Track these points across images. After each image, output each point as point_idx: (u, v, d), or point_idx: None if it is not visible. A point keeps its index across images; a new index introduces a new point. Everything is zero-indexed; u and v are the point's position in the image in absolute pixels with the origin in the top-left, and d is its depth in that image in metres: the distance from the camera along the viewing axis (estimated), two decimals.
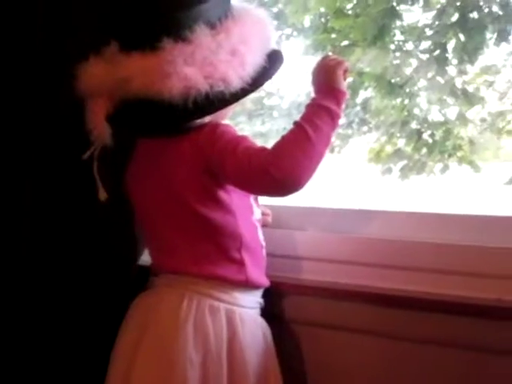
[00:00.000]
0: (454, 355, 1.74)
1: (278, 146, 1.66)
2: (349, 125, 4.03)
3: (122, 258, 2.08)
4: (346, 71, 1.76)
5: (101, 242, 2.06)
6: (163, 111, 1.64)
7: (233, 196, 1.76)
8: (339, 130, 3.81)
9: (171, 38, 1.64)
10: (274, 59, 1.76)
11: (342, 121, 1.74)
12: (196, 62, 1.63)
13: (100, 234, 2.07)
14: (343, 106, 1.73)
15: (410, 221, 1.98)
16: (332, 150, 4.01)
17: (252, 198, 1.85)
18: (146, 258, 2.01)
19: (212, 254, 1.75)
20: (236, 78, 1.64)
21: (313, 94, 1.76)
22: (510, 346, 1.66)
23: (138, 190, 1.87)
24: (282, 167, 1.61)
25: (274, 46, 1.81)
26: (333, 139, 1.72)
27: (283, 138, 1.68)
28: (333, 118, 1.69)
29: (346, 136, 4.07)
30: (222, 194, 1.74)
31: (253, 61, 1.69)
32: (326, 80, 1.74)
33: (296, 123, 1.69)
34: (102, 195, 1.83)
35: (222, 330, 1.71)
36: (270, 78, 1.76)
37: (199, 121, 1.73)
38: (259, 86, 1.74)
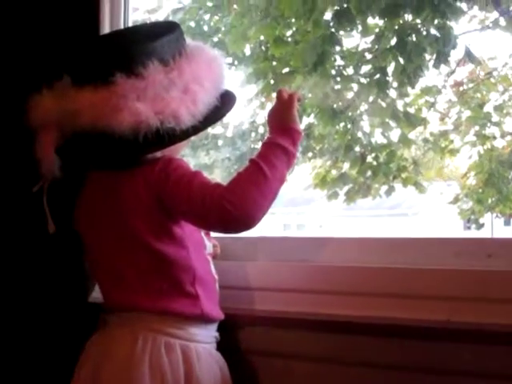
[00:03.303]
0: (408, 378, 1.75)
1: (233, 182, 1.66)
2: None
3: (71, 295, 2.05)
4: (299, 99, 1.80)
5: (49, 276, 2.04)
6: (113, 145, 1.63)
7: (186, 230, 1.74)
8: None
9: (124, 73, 1.64)
10: (226, 99, 1.77)
11: None
12: (148, 98, 1.62)
13: (48, 269, 2.05)
14: (299, 145, 1.75)
15: (358, 246, 1.99)
16: None
17: (203, 231, 1.84)
18: (96, 295, 1.99)
19: (165, 288, 1.72)
20: (187, 115, 1.64)
21: (268, 132, 1.78)
22: (459, 367, 1.68)
23: (88, 224, 1.84)
24: (237, 204, 1.60)
25: (226, 86, 1.81)
26: None
27: (239, 174, 1.68)
28: (289, 157, 1.71)
29: None
30: (176, 229, 1.72)
31: (205, 99, 1.69)
32: (283, 119, 1.75)
33: (252, 161, 1.69)
34: (51, 228, 1.83)
35: (178, 366, 1.68)
36: (221, 117, 1.77)
37: (151, 155, 1.72)
38: (210, 125, 1.75)
